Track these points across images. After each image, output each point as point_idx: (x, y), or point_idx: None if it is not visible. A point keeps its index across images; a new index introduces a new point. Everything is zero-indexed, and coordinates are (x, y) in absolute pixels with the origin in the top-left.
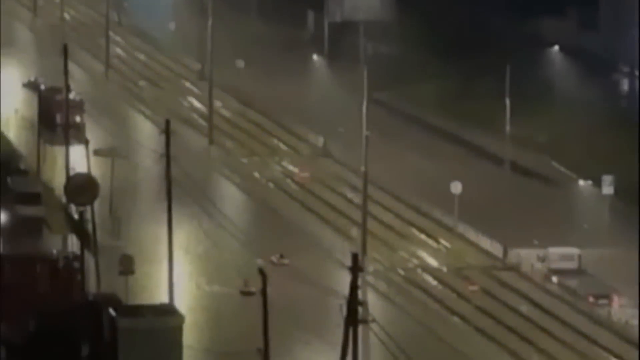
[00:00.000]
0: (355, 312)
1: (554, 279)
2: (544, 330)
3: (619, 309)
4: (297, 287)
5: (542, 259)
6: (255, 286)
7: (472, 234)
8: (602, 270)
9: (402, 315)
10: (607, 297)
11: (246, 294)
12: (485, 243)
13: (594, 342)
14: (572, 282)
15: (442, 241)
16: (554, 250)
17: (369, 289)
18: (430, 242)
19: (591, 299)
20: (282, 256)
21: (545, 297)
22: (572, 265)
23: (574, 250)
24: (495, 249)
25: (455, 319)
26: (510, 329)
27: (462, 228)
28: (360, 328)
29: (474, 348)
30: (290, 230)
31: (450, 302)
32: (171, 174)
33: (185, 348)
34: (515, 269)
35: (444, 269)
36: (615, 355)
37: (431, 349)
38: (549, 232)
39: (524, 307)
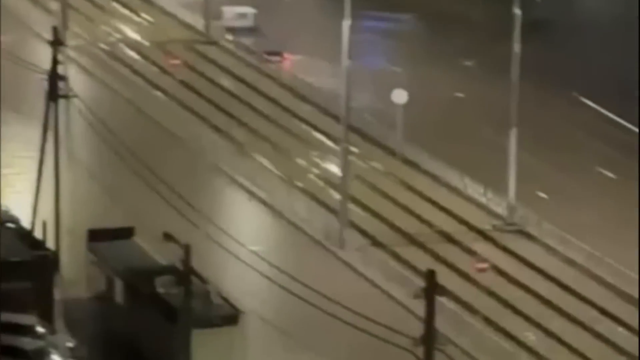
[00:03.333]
0: (56, 86)
1: (229, 36)
2: (245, 103)
3: (290, 65)
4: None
5: (218, 16)
6: None
7: (171, 7)
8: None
9: (105, 89)
10: (279, 53)
11: None
12: (186, 15)
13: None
14: (247, 40)
15: (144, 15)
16: (229, 9)
17: (71, 64)
18: (133, 16)
19: (265, 56)
20: None
21: (251, 73)
22: (247, 23)
23: (249, 9)
24: (197, 22)
25: (158, 93)
26: (212, 103)
27: (163, 1)
28: (61, 102)
29: (175, 121)
30: None
31: (153, 76)
32: None
33: None
34: (216, 43)
35: (146, 43)
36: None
37: (134, 122)
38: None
39: (227, 82)
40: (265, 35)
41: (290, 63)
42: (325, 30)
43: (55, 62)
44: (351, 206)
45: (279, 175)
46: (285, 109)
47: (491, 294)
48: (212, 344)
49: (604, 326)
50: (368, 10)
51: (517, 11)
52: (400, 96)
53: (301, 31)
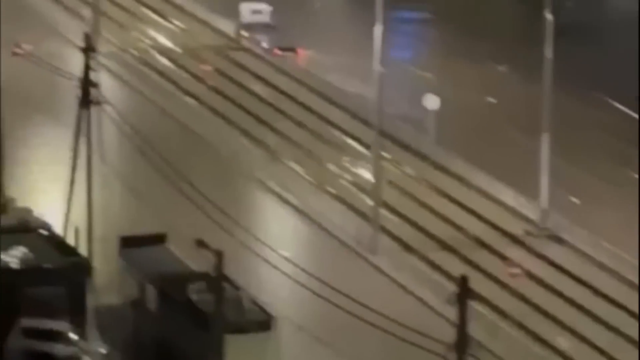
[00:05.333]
0: (88, 93)
1: (245, 33)
2: (277, 110)
3: (304, 60)
4: (31, 69)
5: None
6: None
7: (204, 14)
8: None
9: (136, 96)
10: (293, 49)
11: None
12: (217, 21)
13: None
14: (262, 37)
15: (175, 21)
16: (245, 6)
17: (102, 71)
18: (164, 22)
19: (278, 52)
20: (19, 45)
21: (280, 78)
22: (263, 19)
23: (264, 6)
24: (228, 27)
25: (189, 99)
26: (244, 109)
27: (194, 7)
28: (94, 109)
29: (208, 128)
30: (20, 10)
31: (184, 83)
32: None
33: None
34: (248, 49)
35: (178, 49)
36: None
37: (165, 129)
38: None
39: (258, 88)
40: (281, 32)
41: (304, 59)
42: (344, 26)
43: (87, 68)
44: (383, 211)
45: (311, 180)
46: (316, 113)
47: (524, 299)
48: (245, 350)
49: (637, 331)
50: (394, 9)
51: (549, 15)
52: (432, 101)
53: (318, 27)
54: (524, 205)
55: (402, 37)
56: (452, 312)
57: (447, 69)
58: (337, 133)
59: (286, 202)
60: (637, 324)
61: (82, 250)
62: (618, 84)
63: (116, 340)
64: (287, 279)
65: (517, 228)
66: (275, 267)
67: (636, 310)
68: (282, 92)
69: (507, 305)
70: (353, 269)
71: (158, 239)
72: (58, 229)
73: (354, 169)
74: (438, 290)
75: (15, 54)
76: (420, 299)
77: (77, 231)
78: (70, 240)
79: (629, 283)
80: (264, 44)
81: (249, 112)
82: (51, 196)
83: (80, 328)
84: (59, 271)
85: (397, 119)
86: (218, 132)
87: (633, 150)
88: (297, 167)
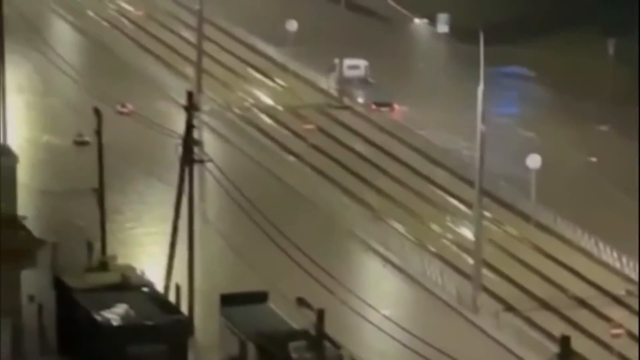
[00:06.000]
0: (191, 151)
1: (344, 88)
2: (380, 169)
3: (399, 114)
4: (135, 128)
5: (332, 69)
6: (90, 136)
7: (307, 72)
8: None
9: (238, 154)
10: (389, 104)
11: (80, 144)
12: (319, 80)
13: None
14: (359, 92)
15: (278, 80)
16: (343, 61)
17: (205, 128)
18: (266, 80)
19: (373, 107)
20: (124, 105)
21: (382, 136)
22: (359, 74)
23: (361, 61)
24: (331, 86)
25: (291, 157)
26: (346, 168)
27: (296, 66)
28: (196, 167)
29: (310, 187)
30: (126, 70)
31: (286, 141)
32: (2, 11)
33: (21, 187)
34: (350, 107)
35: (280, 108)
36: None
37: (267, 187)
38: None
39: (360, 147)
40: (377, 86)
41: (399, 114)
42: (439, 81)
43: (189, 126)
44: (484, 270)
45: (413, 239)
46: (418, 172)
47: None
48: None
49: None
50: (496, 65)
51: None
52: (534, 161)
53: (415, 83)
54: (625, 264)
55: (503, 91)
56: None
57: (548, 127)
58: (438, 191)
59: (387, 260)
60: None
61: (184, 307)
62: None
63: None
64: (388, 338)
65: (618, 287)
66: (375, 326)
67: None
68: (383, 150)
69: None
70: (454, 327)
71: (259, 297)
72: (159, 286)
73: (455, 228)
74: (539, 350)
75: (119, 112)
76: (521, 359)
77: (178, 289)
78: (172, 298)
79: None
80: (360, 99)
81: (349, 170)
82: (153, 254)
83: None
84: (160, 329)
85: (498, 178)
86: (319, 189)
87: None
88: (398, 225)
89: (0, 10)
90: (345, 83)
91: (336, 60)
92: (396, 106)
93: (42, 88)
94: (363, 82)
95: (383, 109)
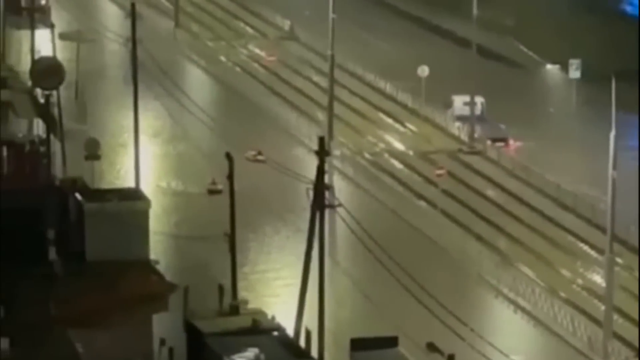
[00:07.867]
0: (322, 196)
1: (457, 124)
2: (511, 214)
3: (514, 150)
4: (266, 172)
5: (449, 105)
6: (223, 184)
7: (438, 117)
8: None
9: (369, 199)
10: (504, 139)
11: (213, 192)
12: (453, 127)
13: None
14: (475, 128)
15: (409, 125)
16: (459, 98)
17: (336, 173)
18: (397, 125)
19: (488, 142)
20: (259, 153)
21: (511, 181)
22: (475, 111)
23: (478, 98)
24: (462, 132)
25: (422, 202)
26: (476, 213)
27: (428, 111)
28: (327, 212)
29: (440, 232)
30: (258, 115)
31: (417, 186)
32: (137, 58)
33: (153, 234)
34: (482, 153)
35: (410, 153)
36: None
37: (397, 233)
38: (515, 111)
39: (491, 192)
40: (493, 123)
41: (515, 150)
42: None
43: (321, 171)
44: (616, 317)
45: (542, 285)
46: (546, 216)
47: None
48: None
49: None
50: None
51: None
52: None
53: (531, 118)
54: None
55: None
56: None
57: None
58: (568, 236)
59: (517, 306)
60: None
61: (314, 352)
62: None
63: None
64: None
65: None
66: None
67: None
68: (512, 194)
69: None
70: None
71: (389, 342)
72: (290, 331)
73: (585, 274)
74: None
75: (253, 160)
76: None
77: (308, 333)
78: (302, 343)
79: None
80: (476, 135)
81: (479, 215)
82: (283, 298)
83: None
84: None
85: (629, 222)
86: (449, 235)
87: None
88: (529, 271)
89: (135, 56)
90: (459, 120)
91: (453, 97)
92: (511, 142)
93: (176, 133)
94: (479, 118)
95: (498, 144)
